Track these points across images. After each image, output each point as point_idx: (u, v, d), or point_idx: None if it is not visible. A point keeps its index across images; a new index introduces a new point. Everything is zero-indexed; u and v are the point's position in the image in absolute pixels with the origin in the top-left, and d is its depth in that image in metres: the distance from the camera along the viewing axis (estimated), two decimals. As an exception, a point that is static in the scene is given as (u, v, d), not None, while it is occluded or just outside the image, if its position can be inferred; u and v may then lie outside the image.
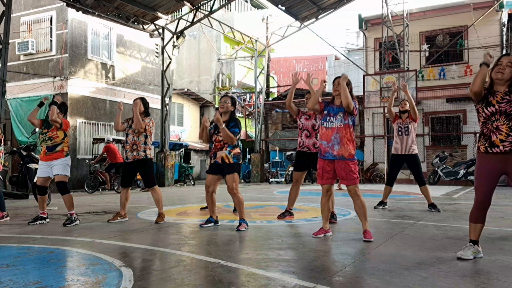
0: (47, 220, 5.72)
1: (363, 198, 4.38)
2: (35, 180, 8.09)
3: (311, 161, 5.70)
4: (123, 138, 6.47)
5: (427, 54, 17.90)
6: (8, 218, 6.12)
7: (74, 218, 5.54)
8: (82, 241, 4.31)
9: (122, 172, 6.13)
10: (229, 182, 5.01)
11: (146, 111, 5.78)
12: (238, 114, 24.43)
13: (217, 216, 5.34)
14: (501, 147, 3.27)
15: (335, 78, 4.48)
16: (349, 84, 4.40)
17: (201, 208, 7.23)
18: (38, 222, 5.59)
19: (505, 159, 3.27)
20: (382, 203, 7.14)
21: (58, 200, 8.21)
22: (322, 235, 4.42)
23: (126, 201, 5.80)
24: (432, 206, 6.73)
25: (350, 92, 4.40)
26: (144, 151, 5.68)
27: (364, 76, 17.41)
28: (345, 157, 4.26)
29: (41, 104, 5.85)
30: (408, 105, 6.94)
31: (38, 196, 5.82)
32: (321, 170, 4.41)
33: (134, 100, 5.80)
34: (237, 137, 5.00)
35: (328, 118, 4.38)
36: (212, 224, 5.23)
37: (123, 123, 5.83)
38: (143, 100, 5.82)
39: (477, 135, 3.61)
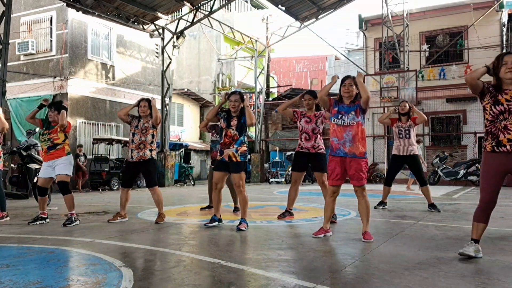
0: (47, 220, 5.72)
1: (368, 199, 4.35)
2: (35, 180, 8.10)
3: (310, 161, 5.69)
4: (126, 139, 6.47)
5: (427, 54, 17.91)
6: (8, 218, 6.11)
7: (74, 218, 5.54)
8: (82, 241, 4.31)
9: (123, 172, 6.13)
10: (236, 180, 5.03)
11: (151, 114, 5.76)
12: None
13: (220, 215, 5.34)
14: (508, 147, 3.25)
15: (345, 78, 4.42)
16: (357, 85, 4.37)
17: (201, 208, 7.23)
18: (38, 222, 5.59)
19: (511, 158, 3.26)
20: (382, 203, 7.15)
21: (58, 200, 8.22)
22: (322, 235, 4.42)
23: (126, 202, 5.79)
24: (432, 206, 6.74)
25: (359, 92, 4.35)
26: (150, 151, 5.69)
27: (364, 76, 17.41)
28: (357, 155, 4.24)
29: (41, 106, 5.82)
30: (408, 106, 6.89)
31: (38, 197, 5.81)
32: (331, 171, 4.38)
33: (140, 102, 5.78)
34: (254, 121, 5.03)
35: (339, 115, 4.34)
36: (216, 223, 5.21)
37: (128, 116, 5.81)
38: (149, 102, 5.79)
39: (477, 135, 3.57)
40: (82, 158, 13.55)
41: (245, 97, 5.13)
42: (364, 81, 4.35)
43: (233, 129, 5.04)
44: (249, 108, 5.02)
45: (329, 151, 4.48)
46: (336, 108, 4.39)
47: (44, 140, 5.63)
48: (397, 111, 7.07)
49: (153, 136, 5.72)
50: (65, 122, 5.57)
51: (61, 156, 5.58)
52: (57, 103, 5.84)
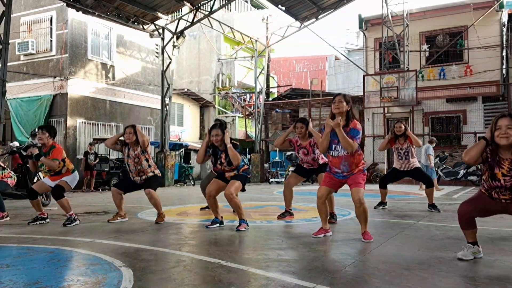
0: (47, 220, 5.71)
1: (366, 206, 4.26)
2: (35, 180, 8.10)
3: (317, 171, 5.72)
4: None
5: (427, 54, 17.91)
6: (8, 218, 6.11)
7: (74, 218, 5.53)
8: (82, 241, 4.31)
9: (124, 177, 6.12)
10: (229, 185, 4.95)
11: (137, 140, 5.64)
12: (238, 114, 24.45)
13: (222, 217, 5.30)
14: (502, 201, 3.25)
15: (336, 96, 4.36)
16: (348, 102, 4.29)
17: (201, 208, 7.23)
18: (38, 222, 5.58)
19: (506, 204, 3.26)
20: (382, 203, 7.15)
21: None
22: (322, 235, 4.42)
23: (121, 202, 5.76)
24: (432, 206, 6.76)
25: (351, 109, 4.30)
26: (153, 172, 5.68)
27: (364, 76, 17.41)
28: (355, 174, 4.28)
29: (30, 157, 5.60)
30: (403, 127, 6.80)
31: (30, 201, 5.69)
32: (328, 178, 4.42)
33: (126, 129, 5.68)
34: (239, 161, 4.92)
35: (333, 146, 4.29)
36: (218, 224, 5.19)
37: (117, 144, 5.75)
38: (135, 129, 5.67)
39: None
40: (91, 157, 13.30)
41: (226, 131, 4.93)
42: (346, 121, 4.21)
43: (226, 166, 5.00)
44: (231, 148, 4.85)
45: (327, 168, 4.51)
46: (330, 138, 4.32)
47: (45, 171, 5.63)
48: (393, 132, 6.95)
49: (147, 160, 5.66)
50: (52, 164, 5.40)
51: (66, 176, 5.59)
52: (46, 126, 5.68)
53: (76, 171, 5.73)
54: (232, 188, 4.90)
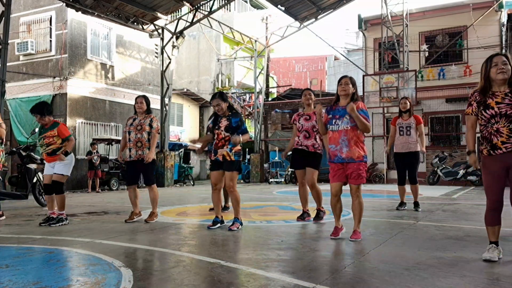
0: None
1: (362, 200, 4.33)
2: (34, 181, 8.10)
3: (308, 159, 5.57)
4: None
5: (426, 54, 17.91)
6: (4, 217, 6.10)
7: (63, 218, 5.51)
8: (82, 242, 4.30)
9: (126, 171, 6.13)
10: (227, 180, 4.98)
11: (148, 109, 5.78)
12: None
13: (222, 216, 5.28)
14: (503, 149, 3.27)
15: (342, 77, 4.42)
16: (354, 84, 4.37)
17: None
18: (49, 223, 5.50)
19: (508, 157, 3.27)
20: (402, 204, 7.08)
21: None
22: (339, 234, 4.40)
23: (136, 199, 5.80)
24: (415, 204, 6.89)
25: (356, 92, 4.38)
26: (149, 149, 5.66)
27: (363, 76, 17.41)
28: (354, 159, 4.22)
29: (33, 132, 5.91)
30: (409, 104, 6.90)
31: (45, 196, 5.78)
32: (332, 170, 4.38)
33: (137, 98, 5.80)
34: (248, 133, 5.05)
35: (333, 121, 4.31)
36: (219, 224, 5.14)
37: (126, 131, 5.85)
38: (145, 98, 5.79)
39: (476, 135, 3.56)
40: (95, 157, 13.21)
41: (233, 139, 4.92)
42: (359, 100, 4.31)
43: (222, 131, 4.98)
44: (241, 138, 4.93)
45: (327, 158, 4.47)
46: (330, 115, 4.36)
47: (42, 145, 5.61)
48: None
49: (149, 134, 5.66)
50: (72, 143, 5.62)
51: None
52: (36, 107, 5.62)
53: (71, 154, 5.68)
54: (229, 180, 4.95)
